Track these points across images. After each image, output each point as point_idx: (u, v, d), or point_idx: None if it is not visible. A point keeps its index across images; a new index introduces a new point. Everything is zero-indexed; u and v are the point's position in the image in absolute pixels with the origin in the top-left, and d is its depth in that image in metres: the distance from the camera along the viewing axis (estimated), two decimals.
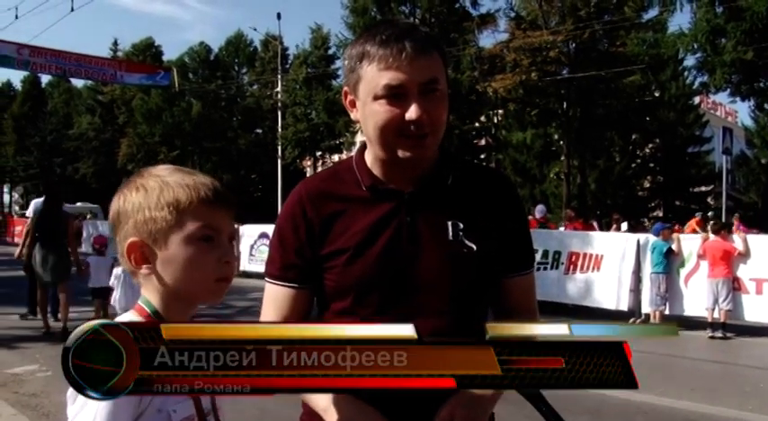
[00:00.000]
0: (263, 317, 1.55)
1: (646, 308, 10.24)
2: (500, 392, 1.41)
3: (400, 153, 1.42)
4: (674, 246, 10.01)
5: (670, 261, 10.00)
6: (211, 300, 1.22)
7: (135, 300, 3.99)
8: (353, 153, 1.62)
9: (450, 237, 1.46)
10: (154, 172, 1.22)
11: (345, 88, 1.50)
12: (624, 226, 19.11)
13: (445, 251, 1.46)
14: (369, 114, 1.42)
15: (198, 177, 1.21)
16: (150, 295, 1.20)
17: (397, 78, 1.37)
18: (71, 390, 1.07)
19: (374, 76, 1.39)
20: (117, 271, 7.60)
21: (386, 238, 1.46)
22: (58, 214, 8.81)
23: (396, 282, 1.44)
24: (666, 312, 9.89)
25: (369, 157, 1.54)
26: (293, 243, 1.51)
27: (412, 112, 1.37)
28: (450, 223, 1.47)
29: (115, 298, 7.59)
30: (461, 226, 1.47)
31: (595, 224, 19.35)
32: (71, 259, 8.94)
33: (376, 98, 1.40)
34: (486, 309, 1.58)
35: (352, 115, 1.51)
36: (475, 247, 1.47)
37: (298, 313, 1.52)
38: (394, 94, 1.38)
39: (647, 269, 10.26)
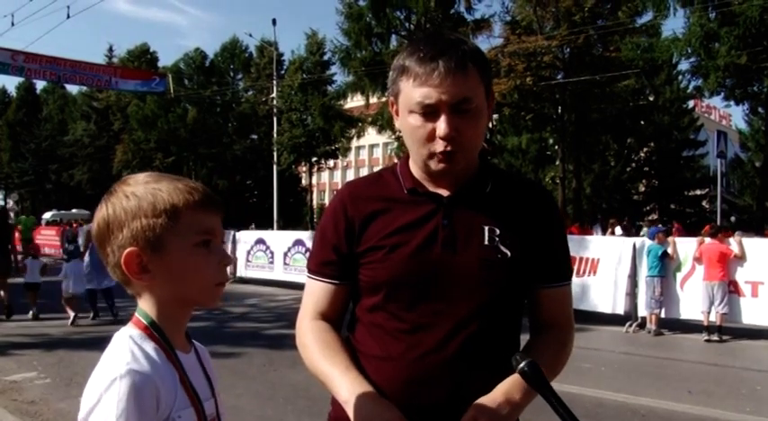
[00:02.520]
0: (302, 309, 1.62)
1: (642, 311, 10.26)
2: (527, 400, 1.42)
3: (432, 164, 1.48)
4: (669, 250, 10.04)
5: (665, 264, 10.03)
6: (211, 304, 1.21)
7: (80, 285, 7.25)
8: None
9: (486, 242, 1.49)
10: (140, 179, 1.19)
11: (391, 98, 1.55)
12: (618, 230, 19.18)
13: (479, 255, 1.48)
14: (405, 126, 1.49)
15: (186, 182, 1.20)
16: (147, 305, 1.18)
17: (429, 96, 1.42)
18: (87, 392, 1.08)
19: (410, 91, 1.45)
20: (65, 266, 10.36)
21: (421, 238, 1.49)
22: (4, 226, 11.04)
23: (428, 280, 1.47)
24: (662, 315, 9.92)
25: (413, 164, 1.59)
26: (332, 240, 1.57)
27: (441, 130, 1.42)
28: (486, 228, 1.50)
29: (68, 285, 10.12)
30: (498, 232, 1.50)
31: (599, 229, 19.38)
32: (12, 260, 11.00)
33: (411, 112, 1.46)
34: (519, 318, 1.59)
35: (397, 124, 1.56)
36: (509, 254, 1.49)
37: (334, 307, 1.59)
38: (425, 111, 1.43)
39: (644, 273, 10.29)
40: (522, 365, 1.28)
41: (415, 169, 1.58)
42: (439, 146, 1.44)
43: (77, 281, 10.11)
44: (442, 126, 1.42)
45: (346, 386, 1.41)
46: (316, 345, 1.52)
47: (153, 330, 1.16)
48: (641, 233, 16.03)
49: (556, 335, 1.58)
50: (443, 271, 1.47)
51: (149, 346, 1.14)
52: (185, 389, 1.15)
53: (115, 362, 1.09)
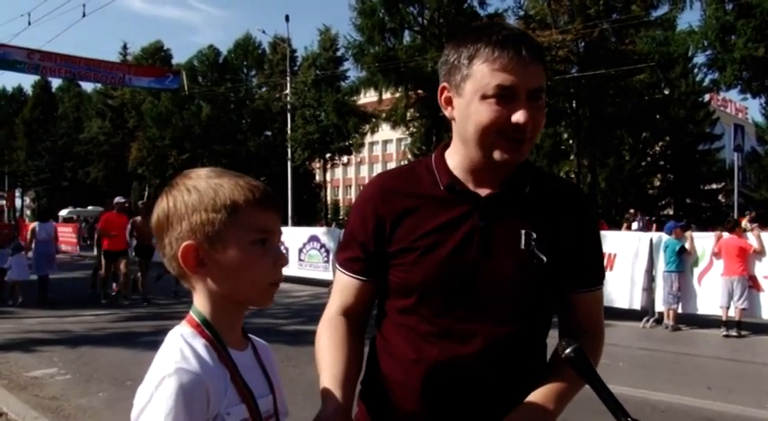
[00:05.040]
0: (330, 300, 1.61)
1: (659, 306, 10.21)
2: (560, 409, 1.40)
3: (497, 154, 1.42)
4: (686, 245, 9.98)
5: (683, 259, 9.97)
6: (264, 303, 1.21)
7: (23, 274, 9.31)
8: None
9: (522, 247, 1.45)
10: (202, 174, 1.20)
11: (444, 84, 1.48)
12: (635, 225, 19.04)
13: (515, 259, 1.45)
14: (473, 112, 1.41)
15: (248, 179, 1.20)
16: (201, 301, 1.19)
17: (511, 80, 1.37)
18: (140, 391, 1.09)
19: (485, 74, 1.38)
20: (9, 259, 11.86)
21: (456, 241, 1.45)
22: None
23: (462, 285, 1.44)
24: (679, 311, 9.87)
25: (452, 157, 1.54)
26: (360, 237, 1.54)
27: (519, 116, 1.37)
28: (523, 232, 1.46)
29: (13, 273, 11.84)
30: (534, 236, 1.46)
31: (640, 223, 19.13)
32: None
33: (484, 97, 1.39)
34: (549, 322, 1.56)
35: (447, 112, 1.50)
36: (545, 259, 1.45)
37: (360, 302, 1.57)
38: (504, 95, 1.38)
39: (661, 268, 10.23)
40: (568, 351, 1.26)
41: (457, 162, 1.52)
42: (512, 133, 1.39)
43: (22, 269, 11.99)
44: (520, 112, 1.37)
45: (324, 396, 1.37)
46: (325, 344, 1.50)
47: (204, 328, 1.17)
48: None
49: (588, 344, 1.47)
50: (478, 275, 1.43)
51: (200, 344, 1.14)
52: (236, 387, 1.15)
53: (165, 360, 1.10)
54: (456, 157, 1.53)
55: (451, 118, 1.49)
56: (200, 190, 1.16)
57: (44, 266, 12.34)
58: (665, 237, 10.42)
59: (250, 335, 1.29)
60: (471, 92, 1.41)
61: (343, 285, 1.58)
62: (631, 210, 18.42)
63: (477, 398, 1.42)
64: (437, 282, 1.44)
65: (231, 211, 1.14)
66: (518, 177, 1.51)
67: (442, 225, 1.47)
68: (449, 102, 1.48)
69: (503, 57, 1.37)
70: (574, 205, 1.55)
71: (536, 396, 1.39)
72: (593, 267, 1.57)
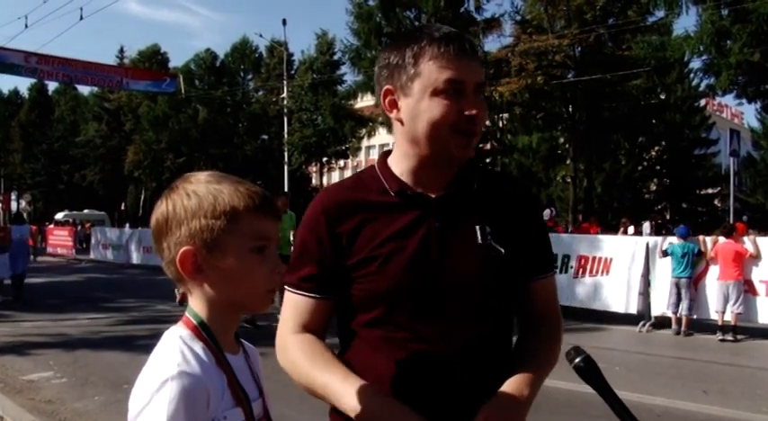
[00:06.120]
0: (282, 323, 1.55)
1: (655, 311, 10.21)
2: (533, 395, 1.43)
3: (452, 150, 1.44)
4: (702, 249, 9.82)
5: (694, 264, 9.81)
6: (260, 309, 1.21)
7: (2, 272, 9.48)
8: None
9: (480, 241, 1.47)
10: (202, 178, 1.19)
11: (388, 87, 1.49)
12: (631, 230, 19.07)
13: (475, 255, 1.46)
14: (424, 110, 1.43)
15: (247, 185, 1.20)
16: (198, 305, 1.19)
17: (459, 74, 1.40)
18: (137, 392, 1.08)
19: (434, 70, 1.41)
20: None
21: (415, 244, 1.45)
22: None
23: (428, 287, 1.44)
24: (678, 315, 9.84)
25: (398, 163, 1.54)
26: (315, 254, 1.50)
27: (472, 108, 1.41)
28: (478, 227, 1.47)
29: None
30: (489, 230, 1.48)
31: (649, 228, 19.08)
32: None
33: (435, 93, 1.41)
34: (512, 319, 1.58)
35: (392, 115, 1.50)
36: (503, 251, 1.47)
37: (317, 322, 1.52)
38: (454, 90, 1.40)
39: (657, 272, 10.23)
40: (577, 361, 1.27)
41: (403, 167, 1.53)
42: (465, 126, 1.42)
43: (2, 268, 12.74)
44: (473, 104, 1.42)
45: (351, 393, 1.35)
46: (305, 359, 1.46)
47: (202, 330, 1.17)
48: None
49: (549, 330, 1.57)
50: (443, 275, 1.44)
51: (198, 347, 1.14)
52: (232, 390, 1.15)
53: (166, 362, 1.09)
54: (402, 162, 1.53)
55: (397, 120, 1.50)
56: (200, 195, 1.16)
57: (17, 265, 13.24)
58: (666, 242, 10.34)
59: (241, 339, 1.29)
60: (420, 90, 1.43)
61: (297, 306, 1.53)
62: (623, 220, 18.44)
63: (454, 399, 1.43)
64: (404, 288, 1.44)
65: (230, 218, 1.14)
66: (464, 176, 1.53)
67: (398, 231, 1.46)
68: (393, 104, 1.49)
69: (449, 52, 1.41)
70: (520, 197, 1.59)
71: (509, 385, 1.41)
72: (546, 254, 1.62)
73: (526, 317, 1.59)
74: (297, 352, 1.48)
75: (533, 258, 1.56)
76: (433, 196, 1.50)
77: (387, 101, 1.50)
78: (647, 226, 18.88)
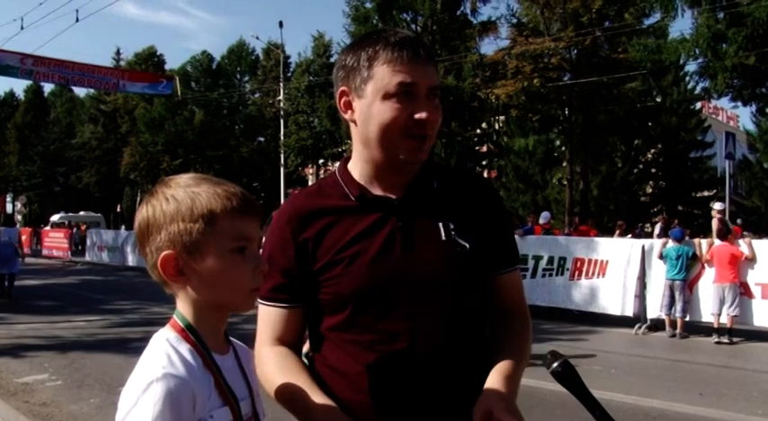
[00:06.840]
0: (258, 335, 1.55)
1: (651, 313, 10.23)
2: (518, 385, 1.44)
3: (401, 154, 1.45)
4: (697, 252, 9.84)
5: (689, 266, 9.85)
6: (245, 309, 1.22)
7: None
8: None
9: (444, 237, 1.48)
10: (181, 182, 1.20)
11: (344, 88, 1.51)
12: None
13: (440, 251, 1.47)
14: (375, 112, 1.44)
15: (226, 186, 1.20)
16: (184, 307, 1.20)
17: (411, 78, 1.41)
18: (125, 394, 1.09)
19: (386, 74, 1.42)
20: None
21: (379, 244, 1.46)
22: None
23: (394, 285, 1.44)
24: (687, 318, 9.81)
25: (356, 167, 1.55)
26: (282, 263, 1.50)
27: (422, 112, 1.41)
28: (441, 224, 1.49)
29: None
30: (452, 225, 1.49)
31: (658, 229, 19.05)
32: None
33: (386, 97, 1.42)
34: (483, 315, 1.57)
35: (346, 116, 1.52)
36: (468, 245, 1.48)
37: (291, 331, 1.53)
38: (406, 93, 1.41)
39: (653, 275, 10.26)
40: (555, 365, 1.27)
41: (362, 171, 1.54)
42: (415, 130, 1.43)
43: None
44: (422, 108, 1.42)
45: (314, 409, 1.35)
46: (276, 373, 1.45)
47: (189, 333, 1.18)
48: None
49: (519, 326, 1.57)
50: (408, 273, 1.44)
51: (185, 349, 1.15)
52: (220, 390, 1.16)
53: (152, 365, 1.11)
54: (360, 166, 1.54)
55: (352, 121, 1.52)
56: (178, 199, 1.17)
57: (3, 266, 13.63)
58: (656, 243, 10.42)
59: (231, 339, 1.30)
60: (373, 92, 1.44)
61: (270, 318, 1.54)
62: (619, 222, 18.41)
63: (427, 397, 1.43)
64: (369, 288, 1.44)
65: (208, 221, 1.15)
66: (424, 176, 1.54)
67: (362, 232, 1.48)
68: (348, 105, 1.51)
69: (402, 56, 1.42)
70: (482, 192, 1.60)
71: (496, 380, 1.40)
72: (511, 248, 1.62)
73: (494, 312, 1.59)
74: (268, 365, 1.48)
75: (497, 252, 1.57)
76: (394, 198, 1.51)
77: (342, 102, 1.52)
78: (658, 226, 18.88)
